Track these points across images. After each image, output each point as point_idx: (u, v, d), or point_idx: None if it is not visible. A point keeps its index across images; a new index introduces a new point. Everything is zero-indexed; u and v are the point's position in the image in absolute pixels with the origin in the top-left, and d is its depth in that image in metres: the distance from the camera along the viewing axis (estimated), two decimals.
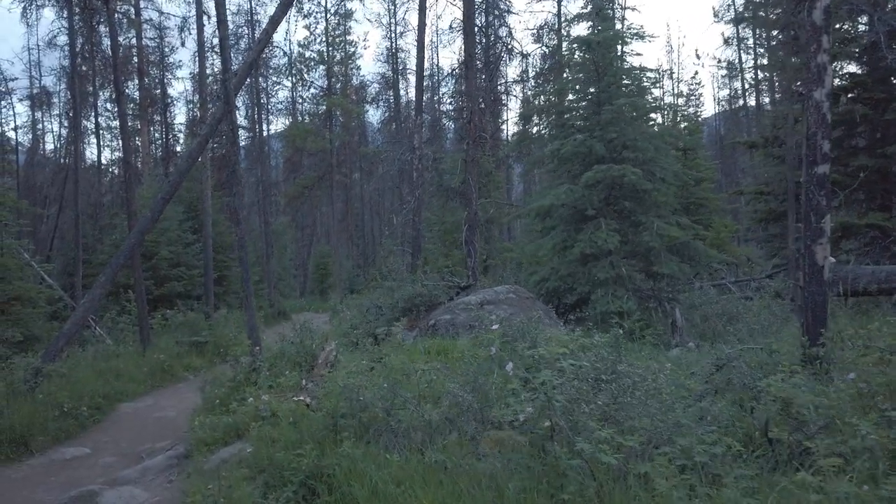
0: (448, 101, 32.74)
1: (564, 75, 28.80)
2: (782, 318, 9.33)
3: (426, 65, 50.42)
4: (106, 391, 11.00)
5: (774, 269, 14.76)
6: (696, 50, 73.48)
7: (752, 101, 37.26)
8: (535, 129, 30.21)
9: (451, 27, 23.14)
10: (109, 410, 10.59)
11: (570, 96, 13.31)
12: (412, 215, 13.17)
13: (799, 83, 13.71)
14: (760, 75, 34.76)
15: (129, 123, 41.72)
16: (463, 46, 13.29)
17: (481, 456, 4.21)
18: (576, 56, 12.20)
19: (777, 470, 3.62)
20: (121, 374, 12.22)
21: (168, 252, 20.96)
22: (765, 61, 34.87)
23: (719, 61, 35.80)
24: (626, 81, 10.90)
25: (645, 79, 11.10)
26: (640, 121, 10.85)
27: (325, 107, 36.05)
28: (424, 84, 49.44)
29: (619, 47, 10.68)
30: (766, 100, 35.87)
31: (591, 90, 11.06)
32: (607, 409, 3.71)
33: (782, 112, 14.05)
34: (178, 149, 41.30)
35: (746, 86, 36.08)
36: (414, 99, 46.04)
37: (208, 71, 24.22)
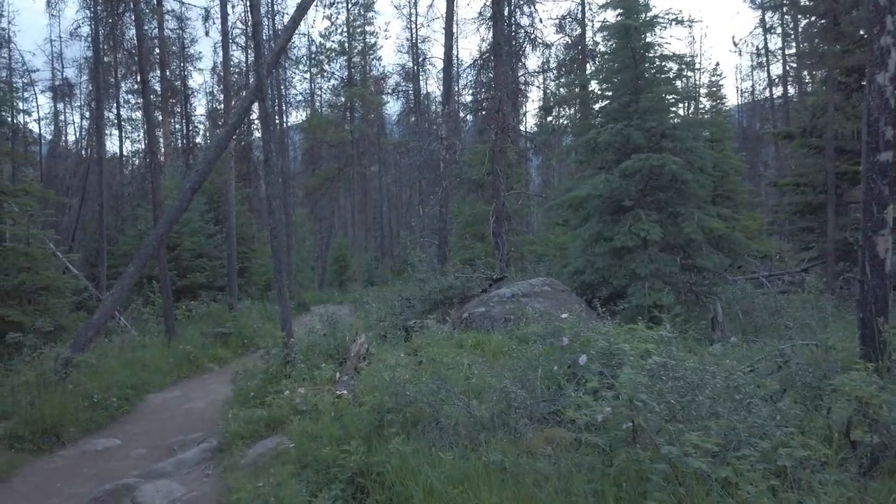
0: (469, 92, 32.37)
1: (589, 64, 28.42)
2: (829, 313, 9.01)
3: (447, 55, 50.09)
4: (133, 382, 10.94)
5: (810, 263, 14.37)
6: (733, 37, 72.34)
7: (777, 92, 36.57)
8: (557, 121, 29.84)
9: (480, 14, 22.85)
10: (138, 401, 10.53)
11: (597, 85, 12.96)
12: (439, 206, 12.94)
13: (837, 70, 13.32)
14: (788, 65, 34.09)
15: (153, 114, 41.94)
16: (491, 33, 13.03)
17: (539, 455, 4.00)
18: (609, 43, 11.86)
19: (865, 475, 3.38)
20: (147, 365, 12.17)
21: (191, 243, 20.94)
22: (792, 50, 34.21)
23: (757, 48, 34.90)
24: (668, 66, 10.57)
25: (683, 65, 10.75)
26: (676, 108, 10.53)
27: (343, 98, 35.92)
28: (444, 76, 49.26)
29: (654, 32, 10.35)
30: (792, 90, 35.19)
31: (627, 78, 10.73)
32: (677, 408, 3.49)
33: (820, 101, 13.64)
34: (199, 140, 41.48)
35: (773, 76, 35.39)
36: (435, 90, 45.94)
37: (233, 61, 24.08)
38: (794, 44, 33.22)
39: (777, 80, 35.11)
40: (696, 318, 9.09)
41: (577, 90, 26.82)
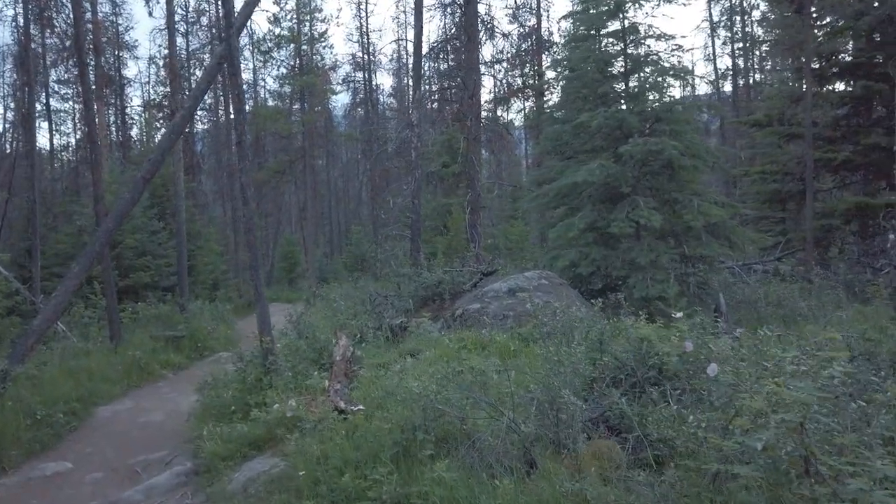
0: (426, 81, 31.62)
1: (545, 55, 28.10)
2: (829, 302, 8.79)
3: (396, 46, 49.19)
4: (79, 394, 9.83)
5: (783, 252, 14.34)
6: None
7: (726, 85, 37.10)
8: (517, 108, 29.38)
9: None
10: (86, 416, 9.44)
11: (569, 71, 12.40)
12: (412, 198, 12.20)
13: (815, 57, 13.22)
14: (736, 56, 34.67)
15: (81, 107, 39.45)
16: (463, 15, 12.36)
17: (627, 480, 3.38)
18: (580, 29, 11.34)
19: None
20: (93, 374, 11.02)
21: (133, 240, 19.50)
22: (739, 44, 34.78)
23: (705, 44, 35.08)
24: (656, 46, 10.10)
25: (674, 45, 10.33)
26: (667, 90, 10.16)
27: (289, 89, 34.55)
28: (395, 67, 48.25)
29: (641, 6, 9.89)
30: (742, 81, 35.81)
31: (618, 59, 10.27)
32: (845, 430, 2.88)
33: (794, 89, 13.59)
34: (134, 133, 39.25)
35: (729, 65, 35.86)
36: (384, 83, 44.71)
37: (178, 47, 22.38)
38: (743, 35, 33.78)
39: (727, 72, 35.68)
40: (695, 309, 8.69)
41: (537, 79, 26.43)
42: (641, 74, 10.26)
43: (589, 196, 9.93)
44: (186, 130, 27.12)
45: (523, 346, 6.62)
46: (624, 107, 10.12)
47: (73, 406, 9.23)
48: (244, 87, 38.82)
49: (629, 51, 10.27)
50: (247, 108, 41.40)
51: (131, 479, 6.59)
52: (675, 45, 10.24)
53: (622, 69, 10.39)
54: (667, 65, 10.10)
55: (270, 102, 38.86)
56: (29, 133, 17.42)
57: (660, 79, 10.01)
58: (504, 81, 29.21)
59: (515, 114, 50.84)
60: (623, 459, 4.25)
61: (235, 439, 5.91)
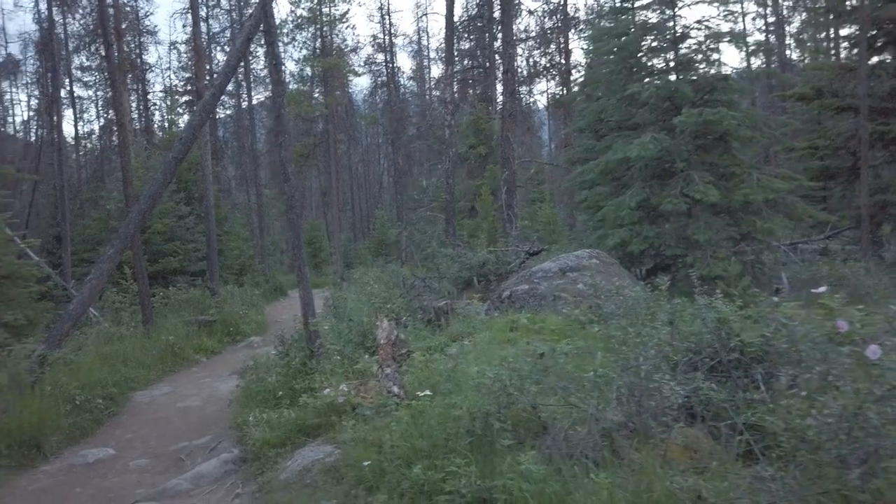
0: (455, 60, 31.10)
1: (572, 32, 27.42)
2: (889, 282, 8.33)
3: (416, 27, 48.40)
4: (116, 379, 9.70)
5: (834, 230, 13.76)
6: None
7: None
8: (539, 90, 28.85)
9: None
10: (123, 401, 9.31)
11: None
12: (446, 178, 11.84)
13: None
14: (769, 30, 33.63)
15: (104, 94, 39.54)
16: None
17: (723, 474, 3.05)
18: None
19: None
20: (128, 360, 10.91)
21: (162, 225, 19.40)
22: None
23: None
24: (707, 11, 9.59)
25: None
26: (718, 59, 9.63)
27: (309, 71, 34.19)
28: (416, 48, 47.64)
29: None
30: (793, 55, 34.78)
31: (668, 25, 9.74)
32: None
33: (848, 60, 12.92)
34: (157, 118, 39.27)
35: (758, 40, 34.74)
36: (405, 65, 44.15)
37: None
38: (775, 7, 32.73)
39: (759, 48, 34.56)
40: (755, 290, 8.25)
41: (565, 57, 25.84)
42: (691, 42, 9.74)
43: (639, 172, 9.49)
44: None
45: (580, 328, 6.28)
46: (673, 77, 9.64)
47: (110, 391, 9.10)
48: (263, 71, 38.59)
49: (678, 15, 9.73)
50: (264, 94, 41.20)
51: (176, 466, 6.40)
52: (726, 10, 9.73)
53: (670, 37, 9.86)
54: (723, 29, 9.55)
55: (293, 86, 38.60)
56: (57, 116, 17.30)
57: (714, 45, 9.48)
58: (530, 60, 28.59)
59: (539, 95, 50.15)
60: (716, 450, 3.93)
61: (283, 425, 5.68)
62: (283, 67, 41.99)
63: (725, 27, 9.85)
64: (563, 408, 3.95)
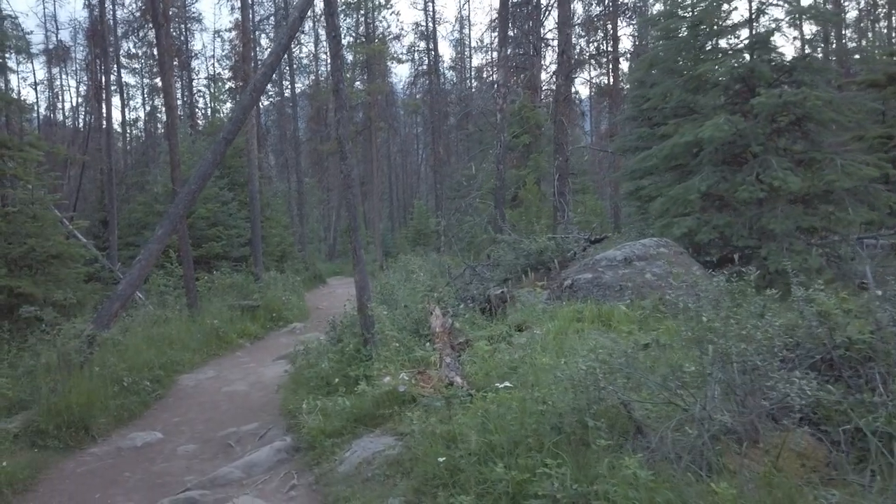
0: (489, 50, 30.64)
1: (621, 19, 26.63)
2: None
3: (458, 14, 47.83)
4: (162, 361, 9.60)
5: None
6: None
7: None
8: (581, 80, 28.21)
9: None
10: (170, 384, 9.19)
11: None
12: (496, 163, 11.41)
13: None
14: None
15: (149, 81, 40.07)
16: None
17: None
18: None
19: None
20: (174, 342, 10.83)
21: (205, 210, 19.41)
22: None
23: None
24: None
25: None
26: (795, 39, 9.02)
27: (351, 57, 34.00)
28: (457, 37, 47.11)
29: None
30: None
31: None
32: None
33: None
34: (201, 104, 39.62)
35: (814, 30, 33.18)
36: (445, 54, 43.72)
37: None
38: None
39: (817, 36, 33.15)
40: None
41: (613, 44, 25.12)
42: (766, 20, 9.08)
43: (709, 156, 8.92)
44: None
45: (655, 319, 5.84)
46: (748, 57, 9.02)
47: (157, 374, 8.98)
48: (306, 59, 38.58)
49: None
50: (304, 84, 41.24)
51: (225, 452, 6.19)
52: None
53: (746, 14, 9.23)
54: (805, 3, 8.85)
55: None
56: (107, 101, 17.37)
57: (797, 21, 8.87)
58: (577, 48, 27.90)
59: (581, 84, 49.18)
60: (832, 458, 3.50)
61: (340, 414, 5.38)
62: (325, 56, 41.97)
63: (805, 1, 9.16)
64: (661, 406, 3.54)
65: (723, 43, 9.43)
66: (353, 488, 4.25)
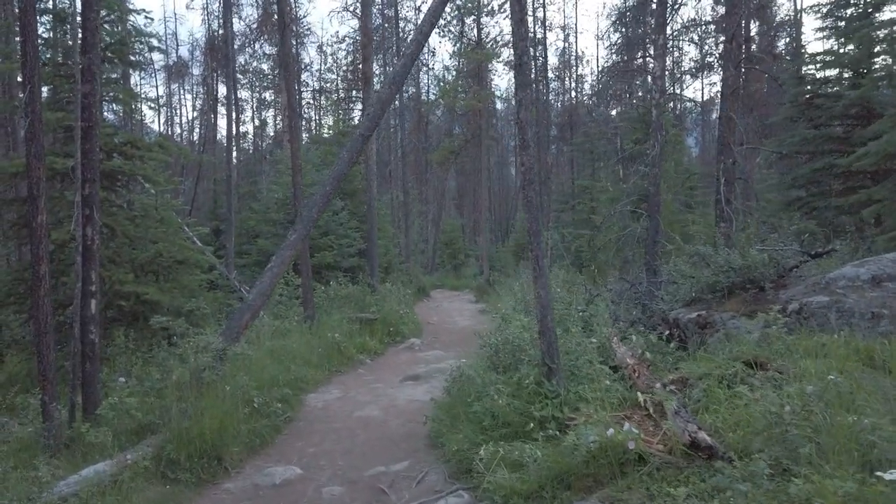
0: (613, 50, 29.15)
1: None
2: None
3: (563, 20, 46.32)
4: (288, 378, 8.82)
5: None
6: None
7: None
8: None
9: None
10: (297, 405, 8.39)
11: None
12: (651, 165, 10.06)
13: None
14: None
15: (261, 95, 41.14)
16: None
17: None
18: None
19: None
20: (295, 356, 10.08)
21: (319, 219, 18.97)
22: None
23: None
24: None
25: None
26: None
27: (458, 64, 33.24)
28: (562, 46, 45.65)
29: None
30: None
31: None
32: None
33: None
34: (307, 117, 40.21)
35: None
36: (552, 60, 42.53)
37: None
38: None
39: None
40: None
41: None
42: None
43: None
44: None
45: None
46: None
47: (284, 392, 8.20)
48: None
49: None
50: (421, 89, 40.93)
51: (379, 501, 5.16)
52: None
53: None
54: None
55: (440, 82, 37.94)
56: (228, 111, 17.28)
57: None
58: (703, 49, 25.97)
59: (694, 92, 46.50)
60: None
61: (534, 469, 4.21)
62: (430, 66, 41.62)
63: None
64: None
65: None
66: None
